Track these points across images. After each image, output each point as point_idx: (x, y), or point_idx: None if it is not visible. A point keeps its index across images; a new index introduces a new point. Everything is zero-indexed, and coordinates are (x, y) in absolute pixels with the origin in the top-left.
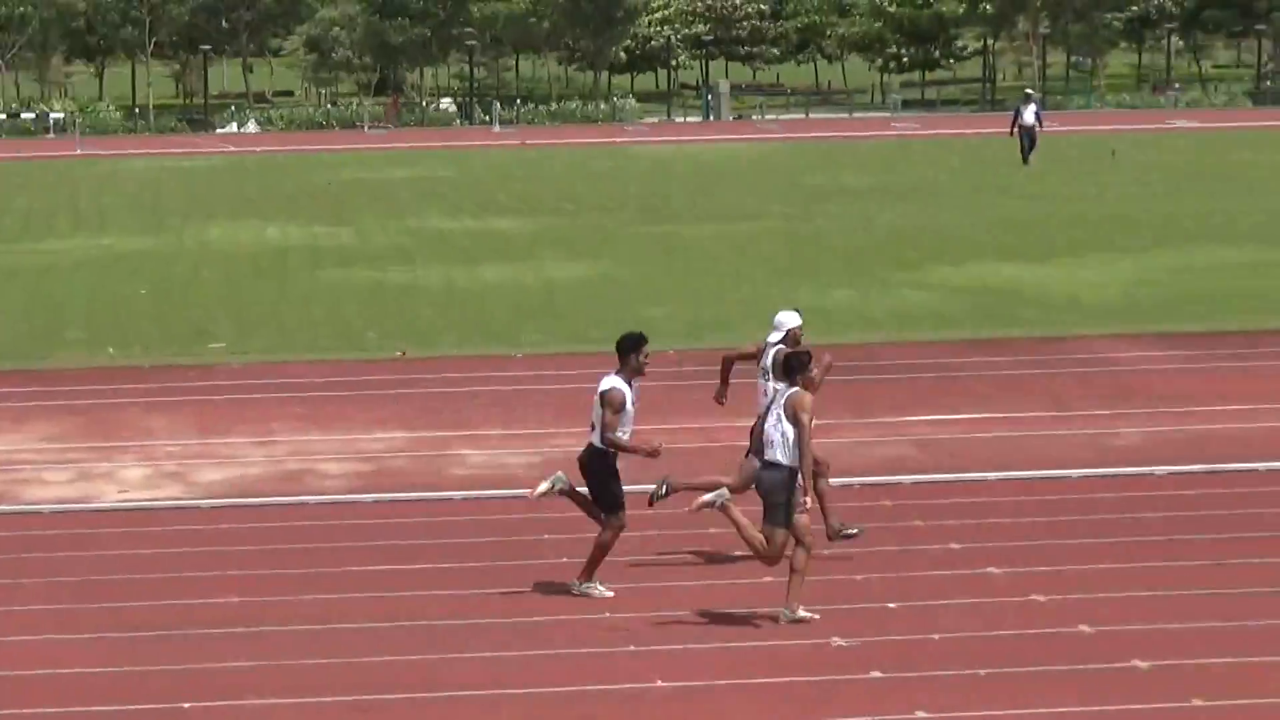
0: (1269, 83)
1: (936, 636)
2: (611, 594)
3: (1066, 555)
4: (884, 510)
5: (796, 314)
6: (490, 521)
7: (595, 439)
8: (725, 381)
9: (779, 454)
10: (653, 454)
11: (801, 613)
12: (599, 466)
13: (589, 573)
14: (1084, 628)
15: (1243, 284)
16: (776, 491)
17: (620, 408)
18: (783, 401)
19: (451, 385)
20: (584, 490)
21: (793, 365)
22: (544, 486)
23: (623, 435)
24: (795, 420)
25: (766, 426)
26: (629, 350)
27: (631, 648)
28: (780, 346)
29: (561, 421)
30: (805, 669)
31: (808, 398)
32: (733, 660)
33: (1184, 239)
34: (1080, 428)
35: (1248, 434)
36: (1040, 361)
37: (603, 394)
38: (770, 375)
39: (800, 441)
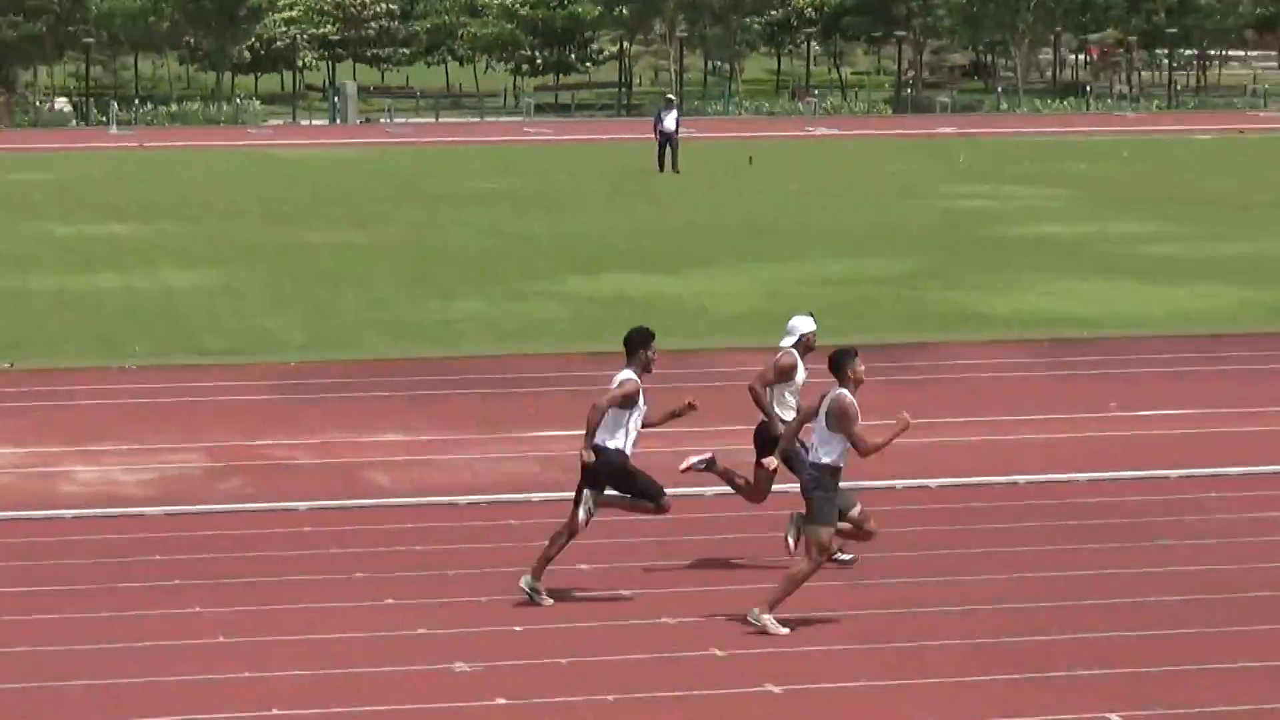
0: (909, 90)
1: (565, 661)
2: (551, 602)
3: (704, 579)
4: (510, 530)
5: (811, 319)
6: (100, 542)
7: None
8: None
9: (821, 454)
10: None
11: (766, 619)
12: (612, 469)
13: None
14: (716, 651)
15: (870, 293)
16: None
17: (634, 399)
18: (828, 403)
19: (62, 398)
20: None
21: (841, 362)
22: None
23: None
24: (840, 427)
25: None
26: (639, 345)
27: (248, 673)
28: (787, 348)
29: (176, 435)
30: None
31: (851, 403)
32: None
33: (819, 249)
34: (714, 443)
35: None
36: (669, 375)
37: (621, 383)
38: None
39: (855, 443)
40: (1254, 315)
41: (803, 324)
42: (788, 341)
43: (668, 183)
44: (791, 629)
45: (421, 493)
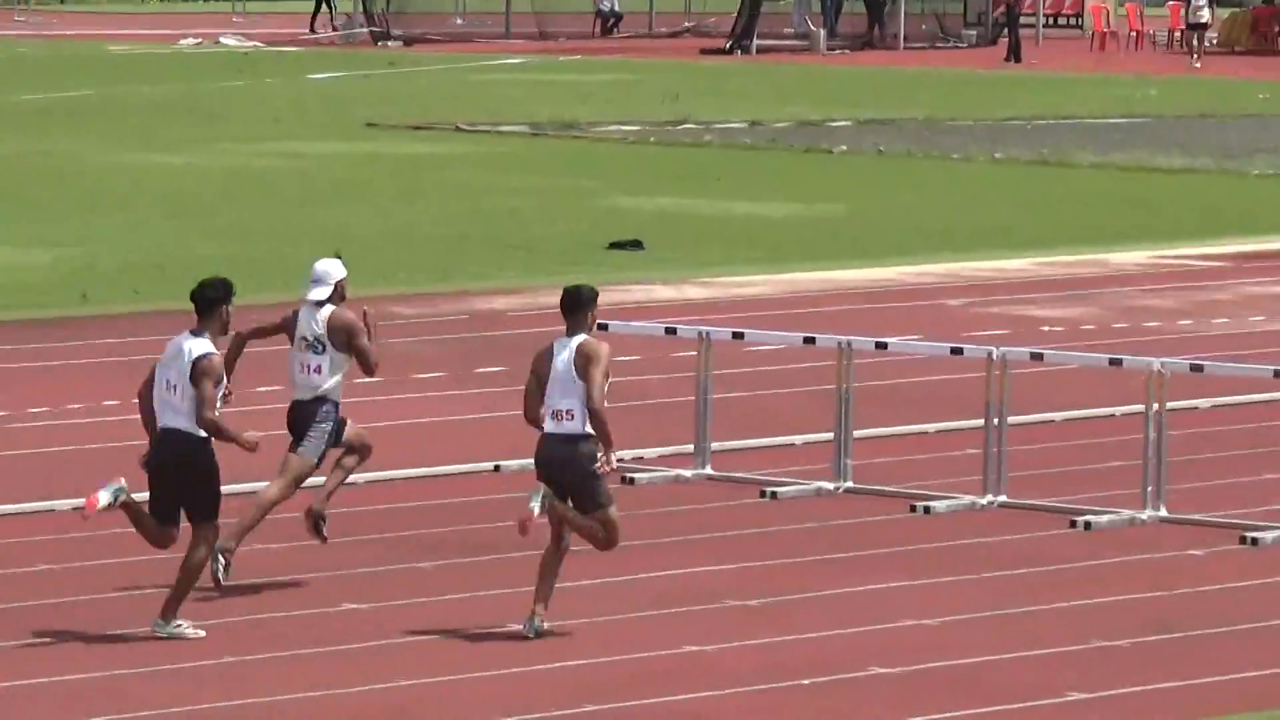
0: None
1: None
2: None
3: None
4: None
5: (340, 262)
6: None
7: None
8: (231, 370)
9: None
10: None
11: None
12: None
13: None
14: None
15: None
16: (582, 465)
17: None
18: (572, 352)
19: None
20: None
21: (583, 299)
22: (104, 498)
23: None
24: (587, 375)
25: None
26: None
27: None
28: (330, 307)
29: None
30: None
31: (604, 347)
32: None
33: None
34: None
35: None
36: None
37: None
38: (320, 347)
39: (591, 400)
40: None
41: (335, 268)
42: (321, 294)
43: None
44: None
45: None
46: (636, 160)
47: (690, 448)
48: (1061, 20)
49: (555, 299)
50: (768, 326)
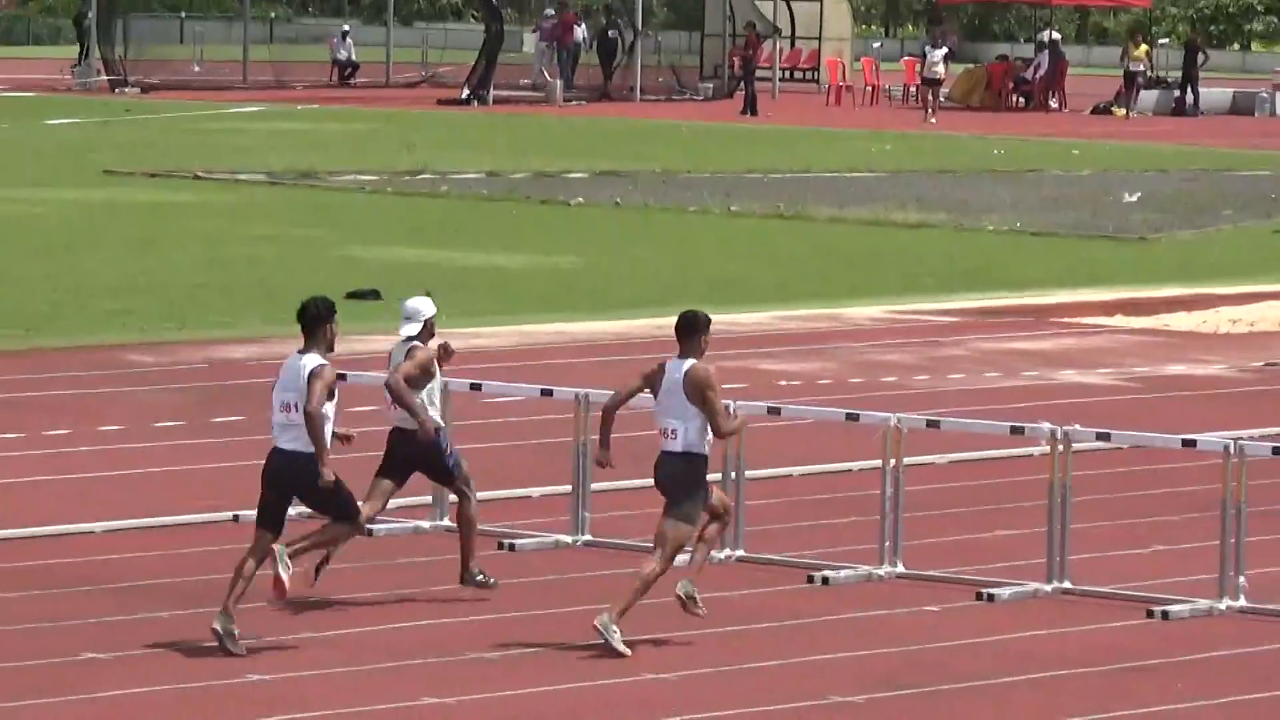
0: None
1: None
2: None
3: None
4: None
5: (430, 300)
6: None
7: (680, 444)
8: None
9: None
10: None
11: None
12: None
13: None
14: None
15: None
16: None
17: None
18: (683, 376)
19: None
20: None
21: (697, 325)
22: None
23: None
24: (706, 402)
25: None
26: (704, 330)
27: None
28: (416, 343)
29: None
30: None
31: (713, 371)
32: None
33: None
34: None
35: None
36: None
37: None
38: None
39: (718, 429)
40: None
41: (426, 305)
42: (411, 330)
43: None
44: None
45: None
46: (374, 210)
47: (429, 499)
48: (798, 74)
49: (290, 348)
50: (505, 378)
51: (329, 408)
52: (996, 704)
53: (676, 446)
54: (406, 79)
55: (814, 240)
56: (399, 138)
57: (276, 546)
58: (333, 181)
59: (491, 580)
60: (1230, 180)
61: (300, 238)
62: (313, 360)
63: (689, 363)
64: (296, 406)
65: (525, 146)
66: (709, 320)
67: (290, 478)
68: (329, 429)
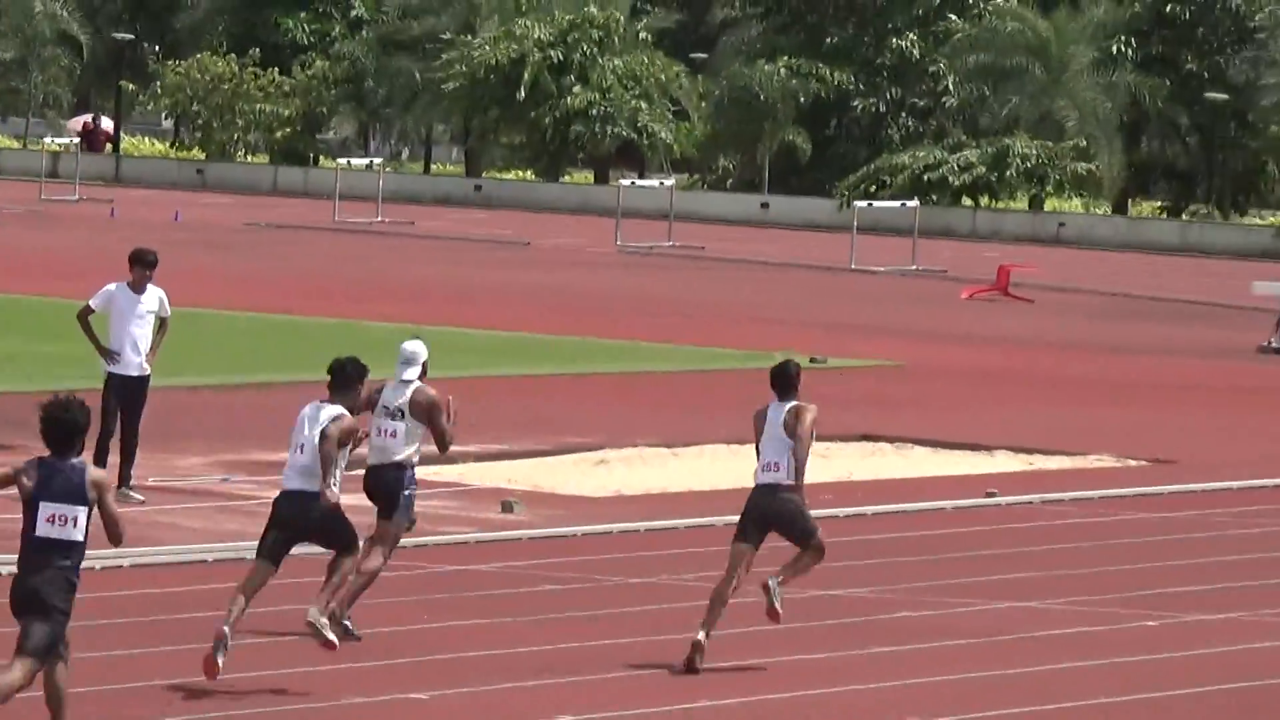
0: None
1: None
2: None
3: None
4: None
5: (422, 342)
6: None
7: (783, 475)
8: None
9: (783, 474)
10: None
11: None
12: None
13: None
14: None
15: None
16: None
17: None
18: (783, 418)
19: None
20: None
21: (791, 374)
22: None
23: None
24: (795, 434)
25: (763, 449)
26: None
27: None
28: (417, 384)
29: None
30: None
31: (814, 408)
32: None
33: None
34: None
35: None
36: None
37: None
38: (399, 414)
39: (796, 454)
40: None
41: (421, 349)
42: (411, 373)
43: None
44: None
45: None
46: None
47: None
48: None
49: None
50: None
51: (341, 454)
52: None
53: (777, 478)
54: None
55: None
56: None
57: None
58: None
59: (357, 634)
60: None
61: None
62: (336, 409)
63: (791, 402)
64: (303, 447)
65: None
66: (799, 369)
67: (298, 514)
68: (338, 473)
